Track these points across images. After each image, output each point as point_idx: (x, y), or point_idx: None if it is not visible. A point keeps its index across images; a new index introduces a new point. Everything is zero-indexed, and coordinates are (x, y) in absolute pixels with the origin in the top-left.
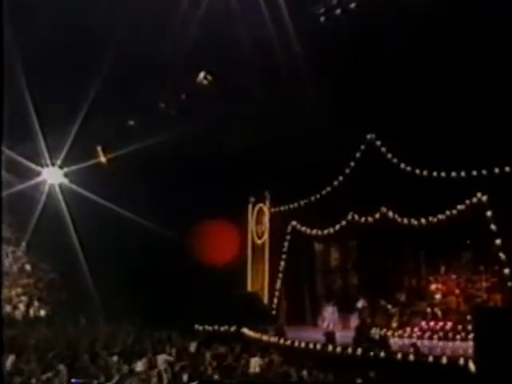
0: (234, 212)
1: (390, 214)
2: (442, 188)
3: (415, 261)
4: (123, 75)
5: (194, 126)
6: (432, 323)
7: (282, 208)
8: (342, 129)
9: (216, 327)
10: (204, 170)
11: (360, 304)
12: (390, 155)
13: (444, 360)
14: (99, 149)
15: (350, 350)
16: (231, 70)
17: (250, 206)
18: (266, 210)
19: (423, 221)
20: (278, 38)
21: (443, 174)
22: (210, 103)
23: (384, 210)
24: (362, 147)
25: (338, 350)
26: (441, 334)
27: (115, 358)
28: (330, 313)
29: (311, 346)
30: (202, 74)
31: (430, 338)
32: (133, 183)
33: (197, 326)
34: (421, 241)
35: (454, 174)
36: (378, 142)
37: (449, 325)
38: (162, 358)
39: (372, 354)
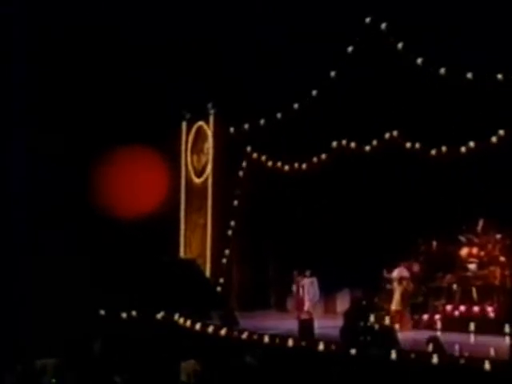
0: (158, 134)
1: (400, 139)
2: (479, 100)
3: (437, 211)
4: None
5: None
6: (462, 308)
7: (234, 128)
8: (328, 8)
9: (133, 313)
10: (111, 67)
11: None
12: (400, 46)
13: (482, 364)
14: None
15: (335, 347)
16: None
17: (183, 125)
18: (208, 131)
19: (450, 150)
20: None
21: (481, 78)
22: None
23: (390, 133)
24: (358, 37)
25: (319, 346)
26: (477, 324)
27: None
28: (307, 287)
29: (277, 340)
30: None
31: (460, 329)
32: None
33: (102, 312)
34: (446, 181)
35: (499, 76)
36: (383, 26)
37: (489, 310)
38: (46, 364)
39: (370, 352)
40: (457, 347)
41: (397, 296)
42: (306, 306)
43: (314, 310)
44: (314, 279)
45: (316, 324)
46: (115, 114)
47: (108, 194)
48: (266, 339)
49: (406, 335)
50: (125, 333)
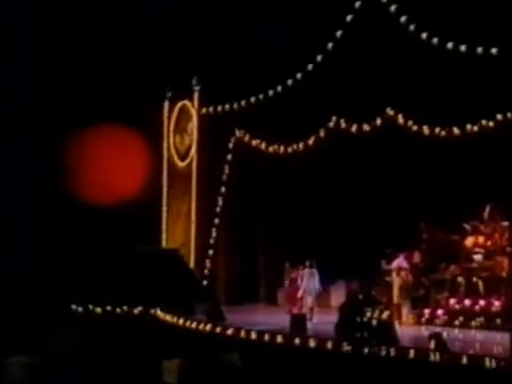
0: (138, 114)
1: (401, 118)
2: (488, 76)
3: (440, 197)
4: None
5: None
6: (467, 301)
7: (221, 108)
8: None
9: (109, 308)
10: (89, 45)
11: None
12: (399, 15)
13: (487, 362)
14: None
15: (329, 345)
16: None
17: (165, 105)
18: (193, 110)
19: (455, 131)
20: None
21: (493, 52)
22: None
23: (390, 112)
24: (357, 5)
25: (312, 343)
26: (482, 319)
27: None
28: (306, 280)
29: (267, 337)
30: None
31: (464, 325)
32: None
33: (74, 307)
34: (450, 163)
35: (493, 50)
36: None
37: (496, 304)
38: (15, 362)
39: (366, 350)
40: (456, 344)
41: (395, 288)
42: (309, 301)
43: (315, 305)
44: (315, 271)
45: (314, 320)
46: (95, 92)
47: (84, 179)
48: (253, 335)
49: (406, 331)
50: (102, 329)
